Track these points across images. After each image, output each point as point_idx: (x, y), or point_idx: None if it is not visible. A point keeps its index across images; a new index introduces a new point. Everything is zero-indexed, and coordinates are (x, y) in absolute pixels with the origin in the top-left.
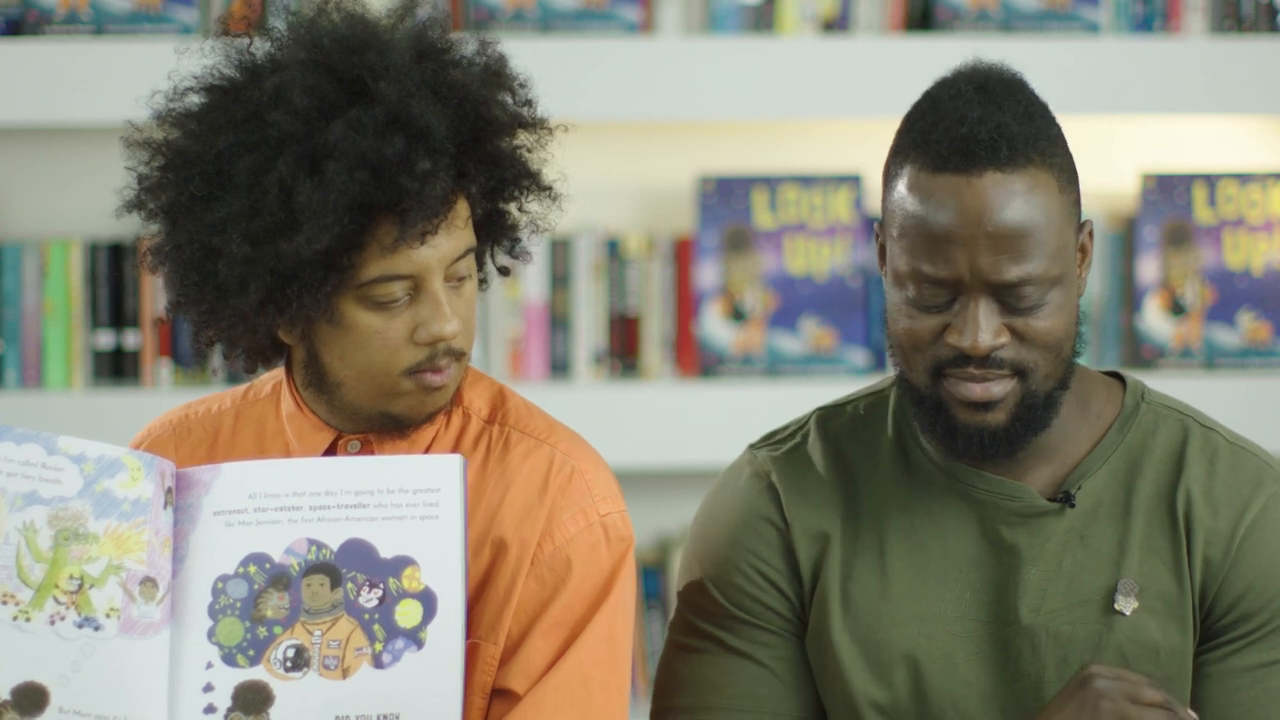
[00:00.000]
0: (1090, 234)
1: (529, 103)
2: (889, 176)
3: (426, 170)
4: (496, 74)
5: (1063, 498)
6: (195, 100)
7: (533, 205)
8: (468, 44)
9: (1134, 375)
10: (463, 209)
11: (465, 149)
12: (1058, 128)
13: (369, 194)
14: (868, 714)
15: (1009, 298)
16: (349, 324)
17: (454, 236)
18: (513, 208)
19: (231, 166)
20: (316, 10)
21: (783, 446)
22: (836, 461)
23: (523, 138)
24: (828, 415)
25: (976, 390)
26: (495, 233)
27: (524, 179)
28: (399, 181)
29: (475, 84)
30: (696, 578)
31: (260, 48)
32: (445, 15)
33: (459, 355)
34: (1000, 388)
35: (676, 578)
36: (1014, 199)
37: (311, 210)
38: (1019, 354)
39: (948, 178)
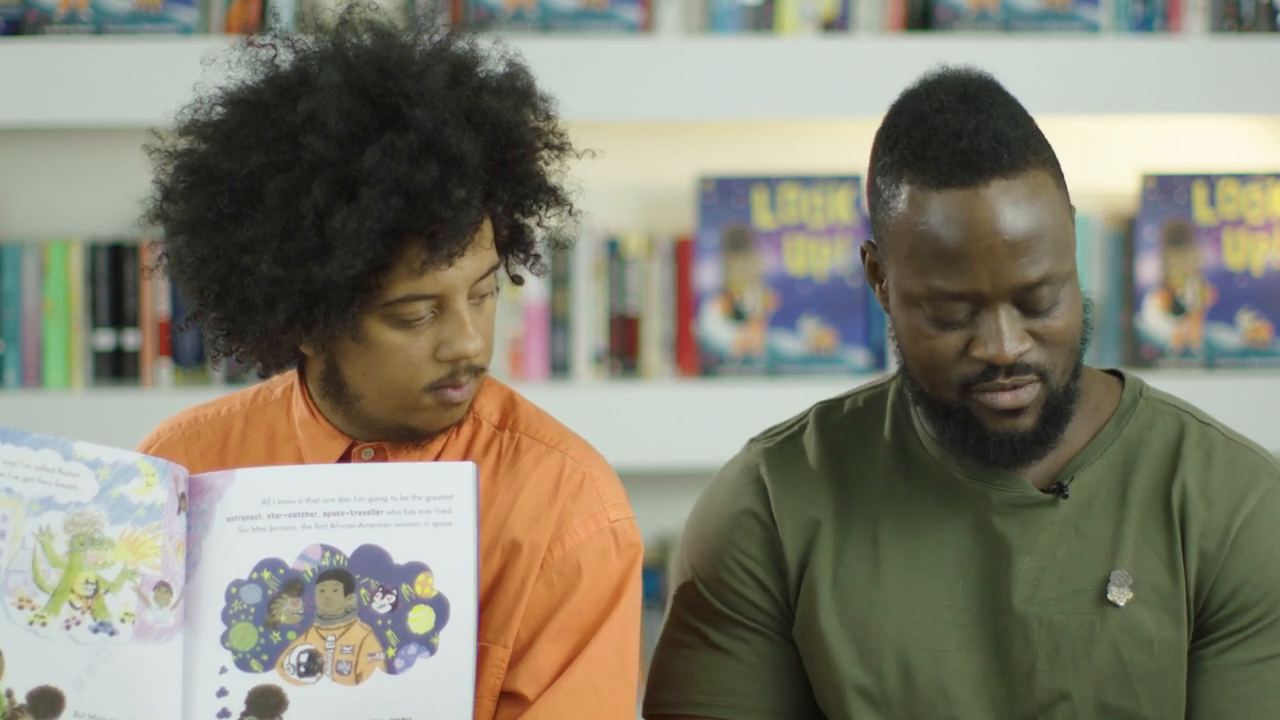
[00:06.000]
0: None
1: (549, 117)
2: (881, 197)
3: (461, 199)
4: (526, 95)
5: (1055, 489)
6: (221, 112)
7: (552, 220)
8: (493, 59)
9: (1133, 373)
10: (488, 229)
11: (494, 172)
12: (1036, 123)
13: (403, 220)
14: (853, 700)
15: (1028, 302)
16: (373, 341)
17: (479, 256)
18: (532, 222)
19: (263, 186)
20: (340, 22)
21: (778, 438)
22: (830, 451)
23: (544, 154)
24: (827, 408)
25: (1006, 399)
26: (515, 247)
27: (544, 194)
28: (433, 208)
29: (508, 110)
30: (687, 573)
31: (285, 58)
32: (464, 25)
33: (479, 371)
34: (1028, 393)
35: (671, 572)
36: (1021, 203)
37: (346, 236)
38: (1041, 357)
39: (953, 193)
